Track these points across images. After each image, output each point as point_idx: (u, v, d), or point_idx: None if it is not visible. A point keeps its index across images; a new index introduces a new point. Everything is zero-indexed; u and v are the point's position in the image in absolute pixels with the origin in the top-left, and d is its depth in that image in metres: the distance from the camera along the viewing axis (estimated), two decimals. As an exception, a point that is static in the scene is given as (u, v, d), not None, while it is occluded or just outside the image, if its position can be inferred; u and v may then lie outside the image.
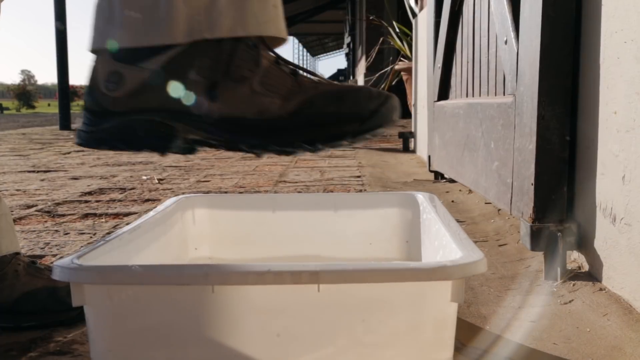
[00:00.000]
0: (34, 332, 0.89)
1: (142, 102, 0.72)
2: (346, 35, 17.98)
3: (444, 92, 2.21)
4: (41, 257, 1.30)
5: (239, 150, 0.74)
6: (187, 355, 0.63)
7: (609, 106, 1.01)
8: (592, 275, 1.07)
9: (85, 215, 1.77)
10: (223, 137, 0.73)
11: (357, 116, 0.73)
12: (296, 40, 46.33)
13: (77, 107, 24.83)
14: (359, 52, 13.28)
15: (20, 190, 2.29)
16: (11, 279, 0.92)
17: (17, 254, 0.96)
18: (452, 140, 1.97)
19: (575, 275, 1.08)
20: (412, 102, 3.61)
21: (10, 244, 0.94)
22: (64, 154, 3.86)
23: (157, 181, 2.50)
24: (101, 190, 2.26)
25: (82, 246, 1.38)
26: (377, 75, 6.45)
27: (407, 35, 4.64)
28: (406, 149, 3.68)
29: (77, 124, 7.63)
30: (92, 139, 0.73)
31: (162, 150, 0.73)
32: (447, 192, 2.09)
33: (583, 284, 1.04)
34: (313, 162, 3.17)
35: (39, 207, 1.91)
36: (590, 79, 1.08)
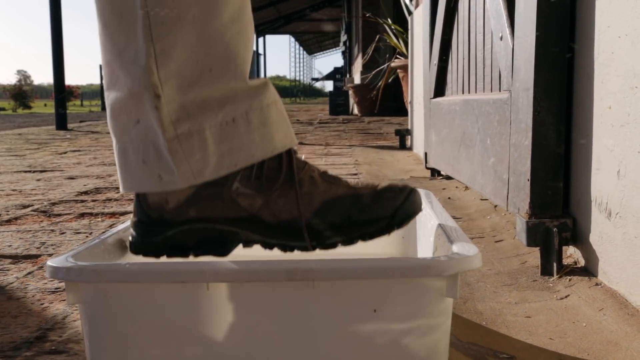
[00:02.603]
0: (28, 330, 0.88)
1: (198, 212, 0.73)
2: (342, 33, 17.97)
3: (440, 89, 2.21)
4: (37, 256, 1.30)
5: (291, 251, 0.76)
6: (183, 353, 0.63)
7: (603, 101, 1.01)
8: (588, 270, 1.07)
9: (82, 215, 1.77)
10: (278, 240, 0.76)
11: (381, 217, 0.76)
12: (292, 39, 46.31)
13: (73, 107, 24.75)
14: (355, 50, 13.28)
15: (16, 190, 2.28)
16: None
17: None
18: (449, 137, 1.97)
19: (571, 271, 1.08)
20: (409, 100, 3.61)
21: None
22: (60, 154, 3.85)
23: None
24: (97, 190, 2.26)
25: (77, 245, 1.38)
26: (373, 72, 6.46)
27: (402, 32, 4.65)
28: (403, 146, 3.68)
29: (74, 122, 7.61)
30: (148, 249, 0.74)
31: (223, 254, 0.75)
32: (444, 189, 2.09)
33: (579, 279, 1.04)
34: (310, 160, 3.17)
35: (35, 206, 1.91)
36: (585, 74, 1.08)
